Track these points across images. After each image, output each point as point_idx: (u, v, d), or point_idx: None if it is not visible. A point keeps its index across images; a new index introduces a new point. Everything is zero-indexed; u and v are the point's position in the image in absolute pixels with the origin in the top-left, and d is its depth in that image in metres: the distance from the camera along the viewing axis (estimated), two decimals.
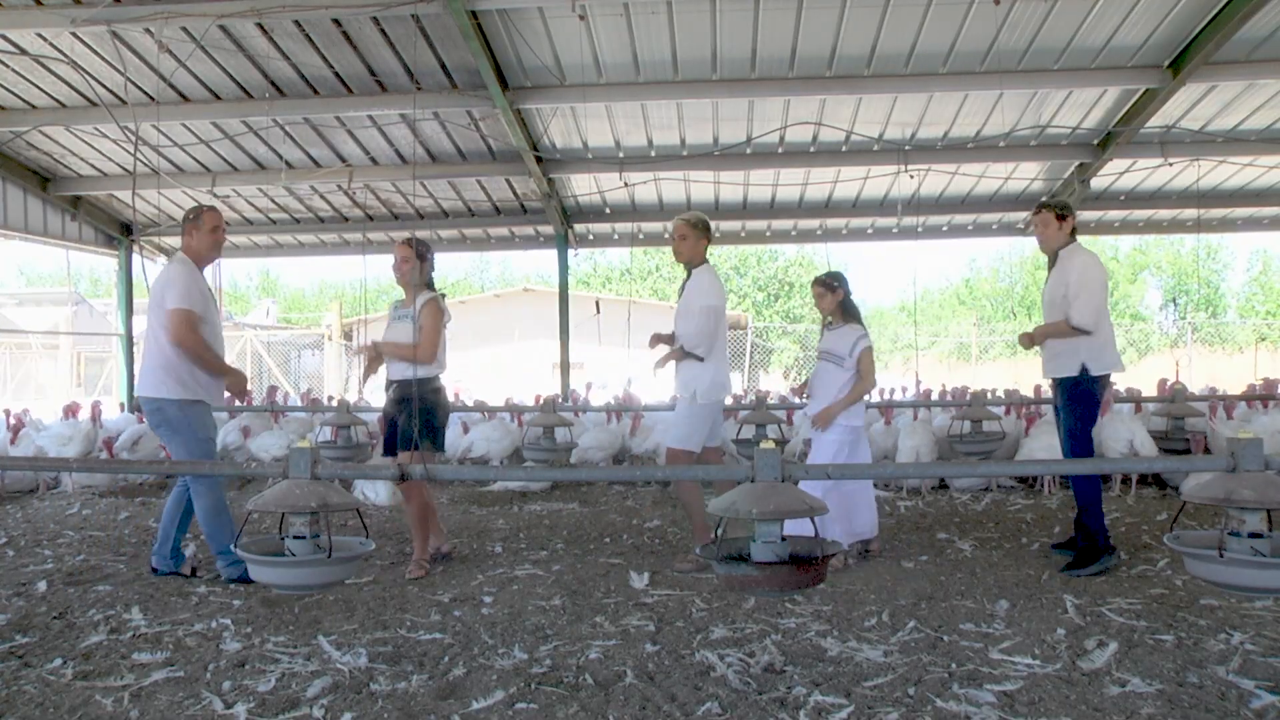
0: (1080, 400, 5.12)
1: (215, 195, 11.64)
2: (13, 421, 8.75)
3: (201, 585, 4.85)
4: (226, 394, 5.19)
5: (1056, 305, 5.13)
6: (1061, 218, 5.23)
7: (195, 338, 4.82)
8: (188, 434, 4.90)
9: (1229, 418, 7.78)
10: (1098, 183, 11.25)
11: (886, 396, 9.65)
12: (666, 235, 12.84)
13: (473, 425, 8.62)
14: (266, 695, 3.28)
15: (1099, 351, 5.08)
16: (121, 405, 10.32)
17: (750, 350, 23.29)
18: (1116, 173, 11.03)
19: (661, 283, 33.03)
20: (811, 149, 10.52)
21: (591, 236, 13.06)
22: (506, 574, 5.06)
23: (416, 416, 4.86)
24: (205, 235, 5.02)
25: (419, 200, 12.01)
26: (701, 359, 5.23)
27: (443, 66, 8.57)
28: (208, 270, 5.19)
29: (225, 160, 10.80)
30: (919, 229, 13.02)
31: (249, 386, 5.42)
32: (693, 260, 5.43)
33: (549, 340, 14.79)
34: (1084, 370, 5.05)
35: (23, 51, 8.25)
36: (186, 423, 4.89)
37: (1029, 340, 5.27)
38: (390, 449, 5.31)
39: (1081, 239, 5.36)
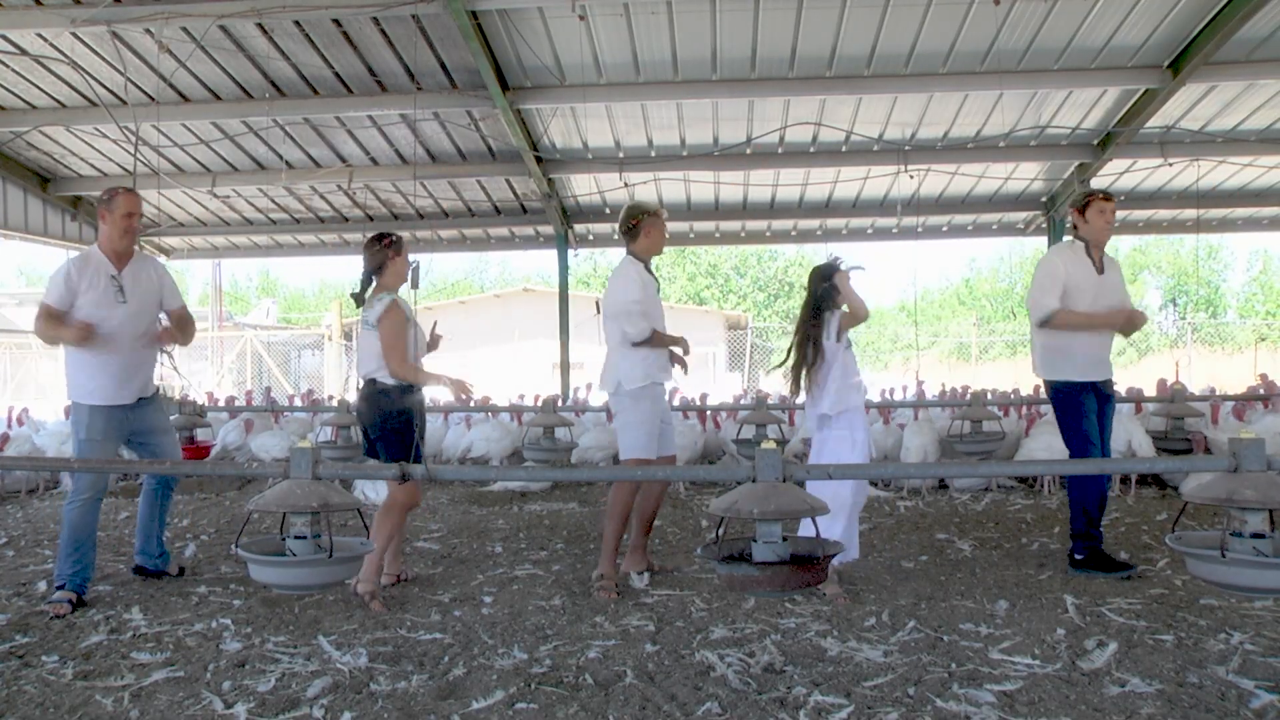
0: None
1: (215, 195, 11.65)
2: (14, 420, 8.75)
3: (201, 585, 4.84)
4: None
5: (1120, 299, 5.05)
6: None
7: (42, 330, 4.54)
8: (74, 433, 4.67)
9: (1240, 419, 7.73)
10: (1098, 183, 11.24)
11: (886, 396, 9.65)
12: (667, 236, 12.90)
13: (474, 424, 8.62)
14: (266, 695, 3.27)
15: None
16: None
17: (750, 350, 23.29)
18: (1116, 173, 11.03)
19: (661, 282, 33.04)
20: (811, 149, 10.52)
21: (591, 236, 13.06)
22: (506, 574, 5.06)
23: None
24: (116, 220, 4.67)
25: (419, 200, 12.01)
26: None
27: (443, 66, 8.57)
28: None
29: (225, 160, 10.80)
30: (919, 229, 13.02)
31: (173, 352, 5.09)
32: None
33: (549, 340, 14.80)
34: None
35: (23, 51, 8.26)
36: (74, 421, 4.66)
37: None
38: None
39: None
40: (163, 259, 13.29)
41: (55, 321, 4.46)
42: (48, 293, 4.57)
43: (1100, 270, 4.99)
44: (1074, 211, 5.08)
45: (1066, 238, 5.32)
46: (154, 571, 5.02)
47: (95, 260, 4.67)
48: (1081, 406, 4.96)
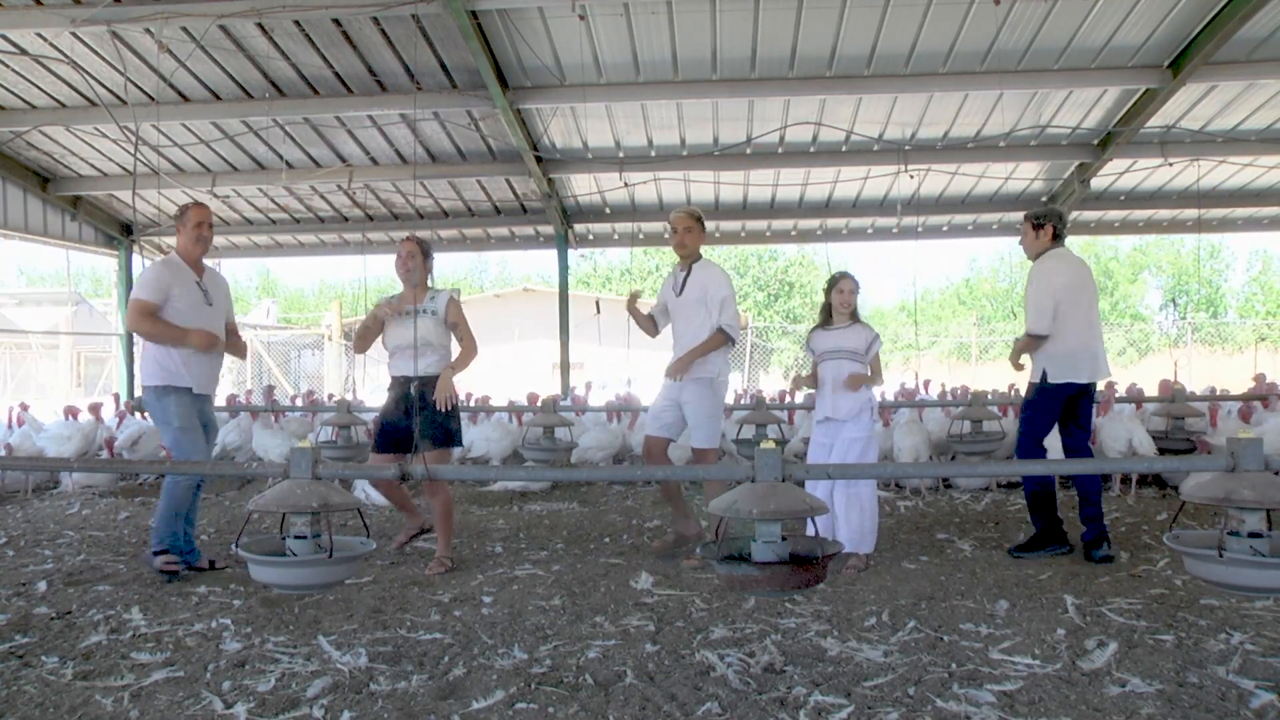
0: (1031, 406, 5.37)
1: (215, 195, 11.64)
2: (14, 419, 8.75)
3: (201, 585, 4.84)
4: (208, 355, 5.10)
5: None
6: (1037, 226, 5.40)
7: (143, 325, 4.93)
8: (163, 422, 5.05)
9: (1245, 420, 7.72)
10: (1098, 183, 11.25)
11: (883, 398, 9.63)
12: (667, 235, 12.88)
13: (475, 423, 8.63)
14: (266, 695, 3.28)
15: (1058, 359, 5.25)
16: (115, 398, 10.30)
17: (750, 350, 23.30)
18: (1116, 173, 11.03)
19: (661, 283, 33.11)
20: (811, 149, 10.52)
21: (591, 236, 13.06)
22: (506, 574, 5.06)
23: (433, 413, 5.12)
24: (190, 231, 5.11)
25: (419, 200, 12.01)
26: (735, 342, 5.54)
27: (443, 66, 8.57)
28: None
29: (225, 160, 10.80)
30: (919, 229, 13.02)
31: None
32: (695, 253, 5.55)
33: (549, 340, 14.80)
34: (1044, 377, 5.29)
35: (23, 51, 8.25)
36: (162, 410, 5.01)
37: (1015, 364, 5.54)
38: (391, 448, 5.21)
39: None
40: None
41: (154, 318, 4.90)
42: (141, 289, 4.97)
43: None
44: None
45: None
46: (190, 566, 5.11)
47: (179, 266, 5.11)
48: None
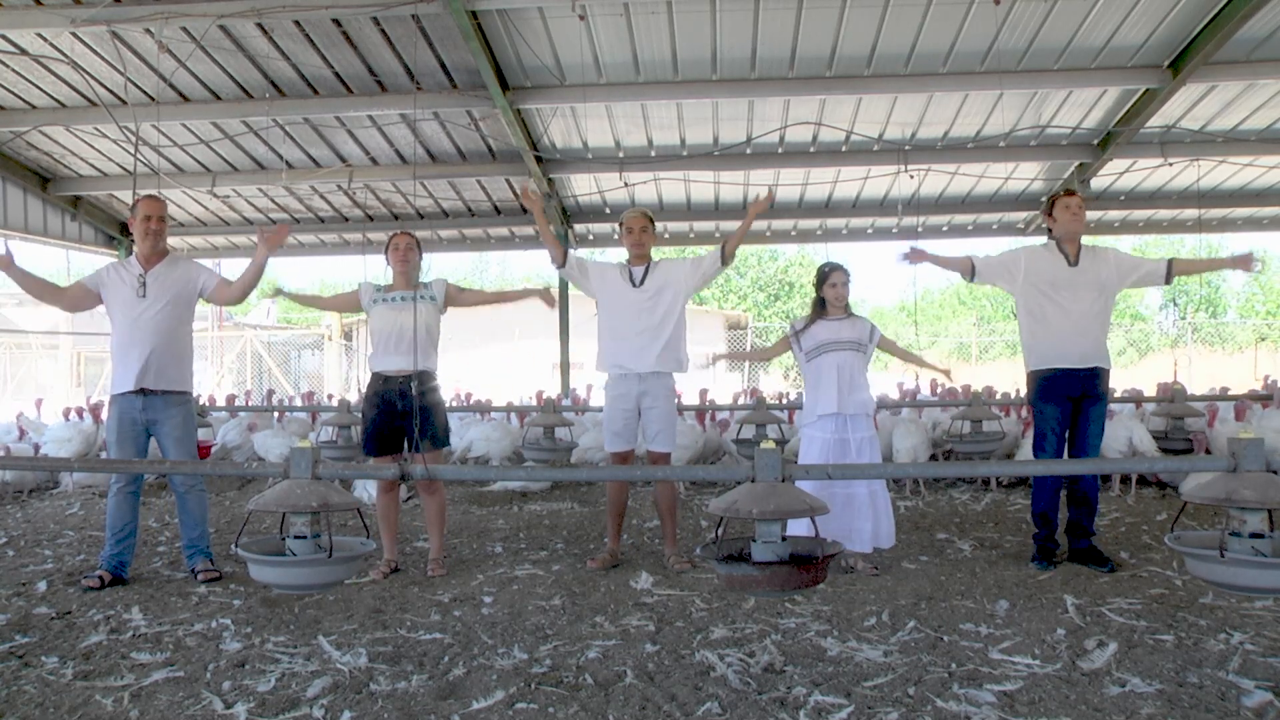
0: None
1: (215, 195, 11.64)
2: (17, 429, 8.76)
3: (201, 585, 4.84)
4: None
5: (1108, 290, 5.14)
6: None
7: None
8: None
9: (1239, 419, 7.72)
10: (1098, 183, 11.25)
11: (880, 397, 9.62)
12: (666, 235, 12.90)
13: (474, 424, 8.62)
14: (266, 695, 3.27)
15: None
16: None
17: (750, 350, 23.24)
18: (1116, 173, 11.04)
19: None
20: (811, 149, 10.52)
21: (591, 236, 13.06)
22: (506, 574, 5.06)
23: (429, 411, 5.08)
24: (138, 224, 5.02)
25: (419, 200, 12.01)
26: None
27: (443, 66, 8.57)
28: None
29: (225, 160, 10.80)
30: (919, 229, 13.01)
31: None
32: (649, 255, 5.49)
33: (549, 340, 14.78)
34: None
35: (23, 51, 8.25)
36: (108, 421, 5.07)
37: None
38: (389, 451, 5.12)
39: (1082, 239, 5.34)
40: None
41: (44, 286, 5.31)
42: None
43: (1074, 262, 5.12)
44: (1045, 215, 5.29)
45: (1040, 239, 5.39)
46: (191, 571, 5.08)
47: (125, 263, 5.17)
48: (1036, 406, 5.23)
